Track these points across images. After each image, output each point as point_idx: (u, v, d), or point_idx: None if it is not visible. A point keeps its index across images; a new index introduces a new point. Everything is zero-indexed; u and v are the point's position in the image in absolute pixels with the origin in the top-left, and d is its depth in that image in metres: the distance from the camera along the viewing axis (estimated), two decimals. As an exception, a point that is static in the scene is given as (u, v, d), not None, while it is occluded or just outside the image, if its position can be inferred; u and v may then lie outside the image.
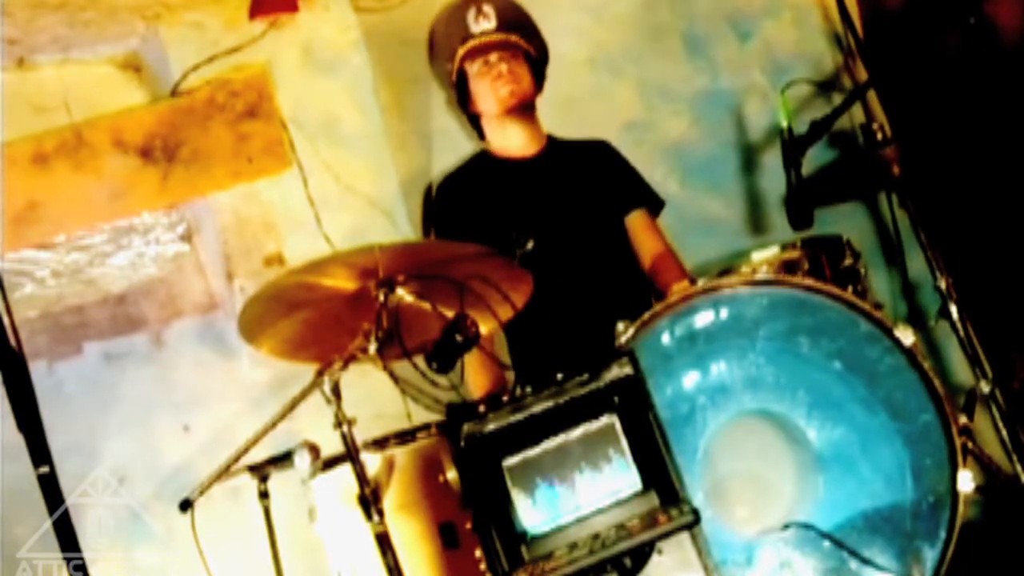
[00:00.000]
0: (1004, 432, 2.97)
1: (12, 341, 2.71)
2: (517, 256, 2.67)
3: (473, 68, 3.57)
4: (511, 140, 3.65)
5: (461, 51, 3.56)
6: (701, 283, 2.86)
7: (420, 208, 3.89)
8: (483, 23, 3.54)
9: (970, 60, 3.68)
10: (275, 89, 3.73)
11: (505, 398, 2.37)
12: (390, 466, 2.66)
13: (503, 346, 3.51)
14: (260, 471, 2.82)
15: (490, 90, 3.55)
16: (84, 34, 3.59)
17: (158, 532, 3.26)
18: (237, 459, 2.59)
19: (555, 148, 3.70)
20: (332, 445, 2.49)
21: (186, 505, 2.55)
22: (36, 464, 2.66)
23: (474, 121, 3.71)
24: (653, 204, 3.71)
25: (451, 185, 3.68)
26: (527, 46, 3.60)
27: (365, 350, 2.45)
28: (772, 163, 3.91)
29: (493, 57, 3.54)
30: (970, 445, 2.86)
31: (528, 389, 2.39)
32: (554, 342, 3.41)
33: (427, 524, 2.66)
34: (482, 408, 2.35)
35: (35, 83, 3.65)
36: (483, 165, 3.69)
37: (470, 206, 3.57)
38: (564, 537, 2.31)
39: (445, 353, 2.41)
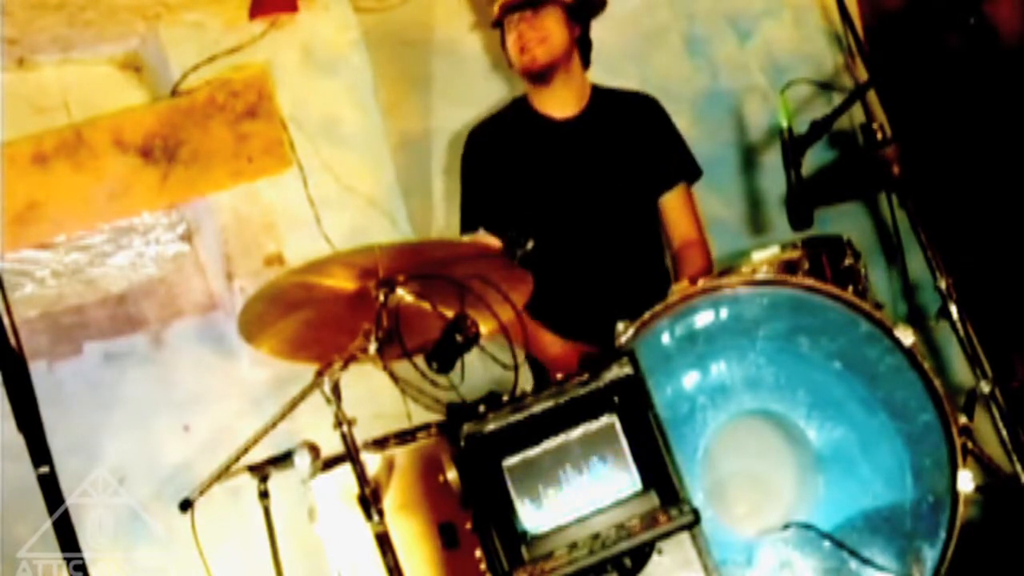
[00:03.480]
0: (1004, 432, 2.96)
1: (12, 341, 2.71)
2: (517, 256, 2.66)
3: (506, 22, 3.46)
4: (545, 101, 3.54)
5: (495, 6, 3.47)
6: (701, 283, 2.86)
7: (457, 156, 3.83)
8: None
9: (970, 60, 3.68)
10: (275, 89, 3.73)
11: (505, 398, 2.37)
12: (390, 466, 2.66)
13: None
14: (260, 471, 2.82)
15: (515, 54, 3.46)
16: (84, 34, 3.59)
17: (158, 532, 3.25)
18: (237, 459, 2.59)
19: (597, 107, 3.55)
20: (332, 445, 2.49)
21: (186, 505, 2.55)
22: (36, 464, 2.65)
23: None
24: (693, 175, 3.61)
25: (482, 135, 3.58)
26: None
27: (365, 350, 2.45)
28: (772, 163, 3.91)
29: (515, 17, 3.42)
30: (970, 445, 2.86)
31: (528, 389, 2.39)
32: (575, 319, 3.40)
33: (427, 524, 2.66)
34: (482, 408, 2.35)
35: (35, 83, 3.65)
36: (519, 117, 3.57)
37: (500, 162, 3.49)
38: (564, 537, 2.30)
39: (445, 353, 2.41)
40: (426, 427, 2.77)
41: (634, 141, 3.52)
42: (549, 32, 3.42)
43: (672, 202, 3.56)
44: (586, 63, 3.59)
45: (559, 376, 2.39)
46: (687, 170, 3.60)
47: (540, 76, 3.47)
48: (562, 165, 3.49)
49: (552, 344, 3.38)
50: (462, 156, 3.59)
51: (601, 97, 3.57)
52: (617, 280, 3.45)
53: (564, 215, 3.42)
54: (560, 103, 3.53)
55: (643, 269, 3.53)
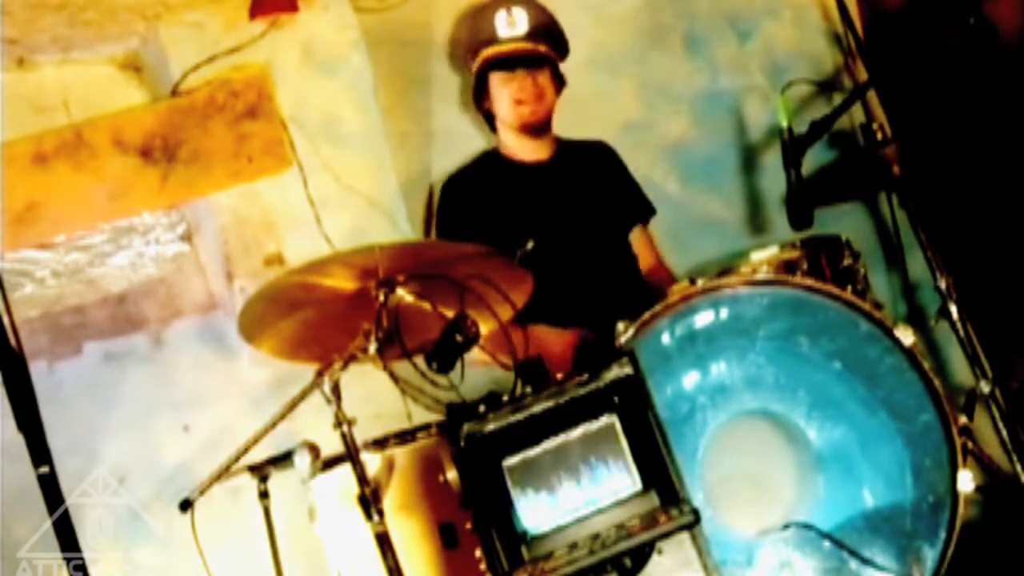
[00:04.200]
0: (1004, 432, 2.97)
1: (12, 341, 2.71)
2: (517, 256, 2.67)
3: (497, 75, 3.54)
4: (523, 149, 3.66)
5: (486, 52, 3.54)
6: (701, 283, 2.86)
7: (423, 205, 3.89)
8: (512, 29, 3.50)
9: (970, 60, 3.69)
10: (275, 89, 3.72)
11: (505, 398, 2.37)
12: (390, 466, 2.66)
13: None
14: (260, 471, 2.82)
15: (511, 107, 3.55)
16: (84, 34, 3.59)
17: (158, 532, 3.26)
18: (237, 459, 2.59)
19: (563, 153, 3.70)
20: (332, 445, 2.49)
21: (186, 505, 2.55)
22: (36, 464, 2.66)
23: (487, 116, 3.70)
24: (649, 216, 3.79)
25: (459, 184, 3.67)
26: (554, 55, 3.57)
27: (365, 350, 2.44)
28: (772, 163, 3.92)
29: (520, 72, 3.51)
30: (970, 445, 2.86)
31: (528, 389, 2.39)
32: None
33: (427, 524, 2.66)
34: (482, 408, 2.35)
35: (35, 83, 3.65)
36: (493, 165, 3.68)
37: (477, 207, 3.57)
38: (564, 537, 2.30)
39: (445, 353, 2.41)
40: (426, 427, 2.77)
41: (599, 184, 3.69)
42: (544, 89, 3.56)
43: (634, 241, 3.73)
44: None
45: (559, 376, 2.39)
46: (645, 210, 3.77)
47: (536, 129, 3.59)
48: (540, 202, 3.58)
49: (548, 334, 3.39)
50: (439, 206, 3.69)
51: (564, 145, 3.72)
52: (605, 301, 3.47)
53: (548, 248, 3.45)
54: (535, 150, 3.66)
55: (627, 293, 3.57)
